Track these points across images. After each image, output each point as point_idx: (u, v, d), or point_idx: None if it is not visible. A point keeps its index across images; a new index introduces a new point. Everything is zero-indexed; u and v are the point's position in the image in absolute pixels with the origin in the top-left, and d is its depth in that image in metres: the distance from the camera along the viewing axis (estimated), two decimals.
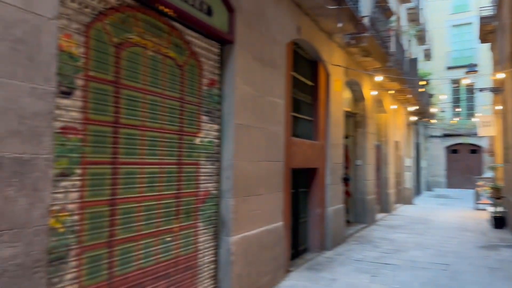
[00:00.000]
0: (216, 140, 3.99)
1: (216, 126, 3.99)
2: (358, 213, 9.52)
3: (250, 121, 4.28)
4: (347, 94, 8.76)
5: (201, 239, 3.75)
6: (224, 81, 4.07)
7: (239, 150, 4.07)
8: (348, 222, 8.93)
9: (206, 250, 3.82)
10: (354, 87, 8.98)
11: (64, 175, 2.47)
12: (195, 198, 3.69)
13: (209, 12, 3.75)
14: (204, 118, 3.83)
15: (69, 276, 2.48)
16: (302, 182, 6.38)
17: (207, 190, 3.85)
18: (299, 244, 6.26)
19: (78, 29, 2.56)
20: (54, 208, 2.38)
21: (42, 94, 2.20)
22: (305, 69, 6.42)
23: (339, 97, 7.35)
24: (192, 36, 3.66)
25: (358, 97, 9.34)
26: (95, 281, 2.67)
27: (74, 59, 2.53)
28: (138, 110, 3.06)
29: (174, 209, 3.41)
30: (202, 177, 3.79)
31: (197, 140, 3.72)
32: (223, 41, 4.02)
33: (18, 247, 2.06)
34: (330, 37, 6.85)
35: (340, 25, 6.05)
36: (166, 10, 3.22)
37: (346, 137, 8.73)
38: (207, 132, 3.86)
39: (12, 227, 2.04)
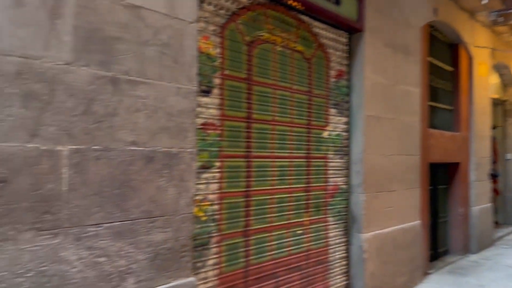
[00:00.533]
0: (344, 133, 3.88)
1: (344, 119, 3.87)
2: (509, 213, 8.33)
3: (381, 112, 4.05)
4: (494, 79, 7.71)
5: (331, 234, 3.69)
6: (352, 71, 3.92)
7: (369, 143, 3.88)
8: (497, 224, 7.89)
9: (337, 245, 3.75)
10: (502, 70, 7.86)
11: (205, 167, 2.66)
12: (324, 192, 3.64)
13: (337, 2, 3.64)
14: (332, 111, 3.75)
15: (211, 262, 2.67)
16: (441, 178, 5.83)
17: (336, 185, 3.77)
18: (439, 245, 5.74)
19: (214, 30, 2.73)
20: (197, 198, 2.58)
21: (186, 93, 2.39)
22: (443, 53, 5.83)
23: (484, 83, 6.51)
24: (319, 28, 3.61)
25: (508, 82, 8.15)
26: (233, 268, 2.83)
27: (211, 59, 2.69)
28: (268, 105, 3.13)
29: (304, 202, 3.42)
30: (331, 171, 3.72)
31: (325, 134, 3.66)
32: (352, 30, 3.88)
33: (169, 233, 2.28)
34: (472, 16, 6.10)
35: (484, 1, 5.35)
36: (294, 4, 3.23)
37: (494, 127, 7.71)
38: (335, 125, 3.77)
39: (164, 214, 2.27)
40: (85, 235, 1.93)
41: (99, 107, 2.00)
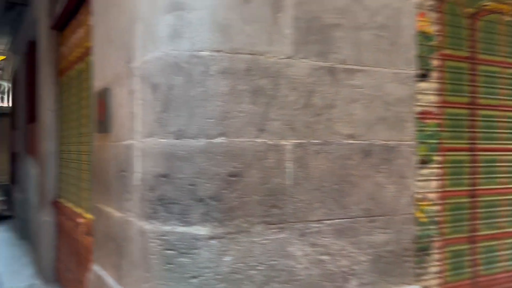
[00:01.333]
0: None
1: None
2: None
3: None
4: None
5: None
6: None
7: None
8: None
9: None
10: None
11: (423, 162, 2.35)
12: None
13: None
14: None
15: (433, 269, 2.35)
16: None
17: None
18: None
19: (432, 5, 2.38)
20: (416, 196, 2.29)
21: (404, 78, 2.13)
22: None
23: None
24: None
25: None
26: (459, 278, 2.44)
27: (428, 38, 2.36)
28: (496, 87, 2.62)
29: None
30: None
31: None
32: None
33: (389, 234, 2.07)
34: None
35: None
36: None
37: None
38: None
39: (383, 213, 2.07)
40: (308, 231, 1.88)
41: (318, 99, 1.92)
